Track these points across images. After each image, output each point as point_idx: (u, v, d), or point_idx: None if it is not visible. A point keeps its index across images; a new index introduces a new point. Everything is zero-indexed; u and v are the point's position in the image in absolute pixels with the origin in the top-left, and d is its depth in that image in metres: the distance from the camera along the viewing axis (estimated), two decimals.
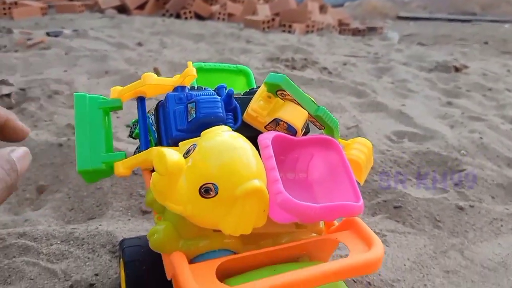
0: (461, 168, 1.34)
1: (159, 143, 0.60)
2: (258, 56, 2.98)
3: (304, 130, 0.60)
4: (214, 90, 0.63)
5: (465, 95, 2.35)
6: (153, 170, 0.47)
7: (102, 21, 4.37)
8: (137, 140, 0.68)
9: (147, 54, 2.77)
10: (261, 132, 0.57)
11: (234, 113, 0.60)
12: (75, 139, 0.58)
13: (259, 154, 0.51)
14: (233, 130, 0.53)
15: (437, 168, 1.36)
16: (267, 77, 0.58)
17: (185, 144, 0.52)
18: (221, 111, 0.56)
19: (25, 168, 0.39)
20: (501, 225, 1.08)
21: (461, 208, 1.11)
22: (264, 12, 5.02)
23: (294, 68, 2.67)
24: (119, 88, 0.64)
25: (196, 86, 0.64)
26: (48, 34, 3.29)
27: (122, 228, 0.96)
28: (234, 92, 0.60)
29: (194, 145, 0.49)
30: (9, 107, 1.63)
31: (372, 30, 5.15)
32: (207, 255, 0.52)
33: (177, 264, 0.47)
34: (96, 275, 0.81)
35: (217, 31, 4.07)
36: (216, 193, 0.45)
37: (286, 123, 0.57)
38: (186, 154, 0.48)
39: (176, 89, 0.62)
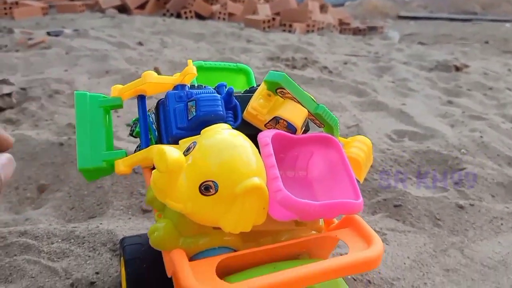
0: (462, 167, 1.34)
1: (160, 141, 0.60)
2: (259, 56, 2.98)
3: (304, 128, 0.60)
4: (214, 89, 0.63)
5: (465, 94, 2.35)
6: (153, 168, 0.48)
7: (102, 20, 4.37)
8: (138, 139, 0.69)
9: (148, 53, 2.77)
10: (261, 130, 0.58)
11: (234, 111, 0.60)
12: (75, 138, 0.58)
13: (259, 152, 0.51)
14: (233, 128, 0.53)
15: (437, 167, 1.36)
16: (267, 75, 0.58)
17: (185, 142, 0.53)
18: (221, 109, 0.56)
19: (9, 176, 0.38)
20: (501, 224, 1.08)
21: (461, 207, 1.11)
22: (264, 11, 5.02)
23: (294, 67, 2.68)
24: (120, 86, 0.64)
25: (196, 85, 0.64)
26: (48, 33, 3.29)
27: (123, 226, 0.96)
28: (234, 91, 0.60)
29: (194, 143, 0.49)
30: (10, 107, 1.64)
31: (372, 29, 5.15)
32: (207, 253, 0.52)
33: (177, 262, 0.48)
34: (97, 273, 0.81)
35: (218, 31, 4.08)
36: (216, 191, 0.46)
37: (286, 121, 0.57)
38: (186, 152, 0.48)
39: (176, 87, 0.62)
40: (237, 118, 0.59)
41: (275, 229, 0.56)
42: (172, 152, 0.42)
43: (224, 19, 5.18)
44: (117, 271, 0.82)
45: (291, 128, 0.58)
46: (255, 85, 0.71)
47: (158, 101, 0.62)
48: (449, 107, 2.11)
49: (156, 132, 0.61)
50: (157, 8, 5.46)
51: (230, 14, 5.24)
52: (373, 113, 1.95)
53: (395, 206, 1.11)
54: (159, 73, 0.62)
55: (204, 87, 0.63)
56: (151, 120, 0.63)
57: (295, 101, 0.58)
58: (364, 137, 0.63)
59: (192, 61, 0.65)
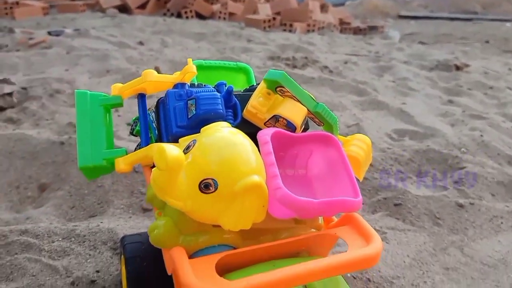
0: (462, 166, 1.34)
1: (160, 139, 0.60)
2: (259, 55, 2.98)
3: (303, 127, 0.61)
4: (214, 87, 0.63)
5: (466, 94, 2.35)
6: (153, 167, 0.48)
7: (103, 20, 4.37)
8: (138, 138, 0.69)
9: (148, 53, 2.78)
10: (260, 129, 0.58)
11: (234, 110, 0.60)
12: (76, 137, 0.58)
13: (259, 150, 0.51)
14: (233, 126, 0.53)
15: (437, 166, 1.37)
16: (267, 74, 0.58)
17: (185, 140, 0.53)
18: (220, 107, 0.56)
19: None
20: (501, 223, 1.08)
21: (461, 206, 1.11)
22: (265, 11, 5.02)
23: (295, 66, 2.68)
24: (120, 85, 0.64)
25: (196, 83, 0.65)
26: (49, 33, 3.29)
27: (123, 225, 0.96)
28: (233, 89, 0.60)
29: (194, 141, 0.49)
30: (11, 106, 1.64)
31: (373, 29, 5.15)
32: (206, 250, 0.52)
33: (177, 259, 0.48)
34: (97, 271, 0.81)
35: (218, 30, 4.08)
36: (216, 189, 0.46)
37: (286, 119, 0.57)
38: (186, 150, 0.48)
39: (176, 86, 0.62)
40: (237, 116, 0.59)
41: (274, 227, 0.56)
42: (172, 150, 0.42)
43: (224, 18, 5.18)
44: (117, 270, 0.82)
45: (290, 127, 0.58)
46: (255, 84, 0.71)
47: (158, 99, 0.62)
48: (449, 106, 2.11)
49: (156, 131, 0.61)
50: (157, 8, 5.47)
51: (231, 14, 5.24)
52: (373, 112, 1.96)
53: (395, 205, 1.11)
54: (159, 73, 0.62)
55: (204, 85, 0.63)
56: (151, 118, 0.64)
57: (294, 99, 0.58)
58: (364, 136, 0.63)
59: (192, 60, 0.65)
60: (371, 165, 1.28)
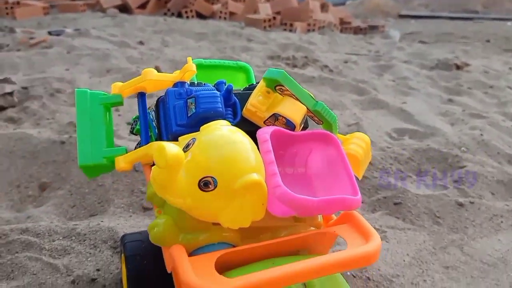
0: (462, 165, 1.34)
1: (160, 138, 0.61)
2: (260, 55, 2.98)
3: (302, 125, 0.61)
4: (214, 86, 0.63)
5: (466, 93, 2.35)
6: (153, 165, 0.48)
7: (104, 20, 4.37)
8: (138, 137, 0.69)
9: (149, 52, 2.78)
10: (260, 127, 0.58)
11: (234, 109, 0.60)
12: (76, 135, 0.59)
13: (258, 148, 0.52)
14: (232, 125, 0.54)
15: (437, 165, 1.37)
16: (266, 73, 0.59)
17: (184, 139, 0.53)
18: (220, 106, 0.56)
19: None
20: (501, 221, 1.08)
21: (461, 205, 1.12)
22: (265, 10, 5.02)
23: (295, 66, 2.68)
24: (120, 84, 0.65)
25: (196, 82, 0.65)
26: (50, 33, 3.30)
27: (124, 224, 0.96)
28: (233, 88, 0.60)
29: (193, 139, 0.49)
30: (12, 105, 1.65)
31: (373, 28, 5.14)
32: (206, 248, 0.52)
33: (177, 257, 0.48)
34: (98, 270, 0.81)
35: (219, 30, 4.08)
36: (215, 187, 0.46)
37: (285, 118, 0.57)
38: (186, 148, 0.49)
39: (176, 84, 0.62)
40: (236, 115, 0.60)
41: (274, 225, 0.56)
42: (171, 148, 0.42)
43: (225, 18, 5.18)
44: (118, 268, 0.82)
45: (290, 125, 0.58)
46: (254, 83, 0.72)
47: (158, 98, 0.62)
48: (449, 106, 2.11)
49: (156, 129, 0.62)
50: (158, 8, 5.47)
51: (231, 13, 5.24)
52: (373, 111, 1.96)
53: (395, 204, 1.11)
54: (159, 72, 0.62)
55: (204, 84, 0.64)
56: (151, 117, 0.64)
57: (294, 98, 0.58)
58: (363, 134, 0.63)
59: (192, 59, 0.65)
60: (371, 164, 1.28)
